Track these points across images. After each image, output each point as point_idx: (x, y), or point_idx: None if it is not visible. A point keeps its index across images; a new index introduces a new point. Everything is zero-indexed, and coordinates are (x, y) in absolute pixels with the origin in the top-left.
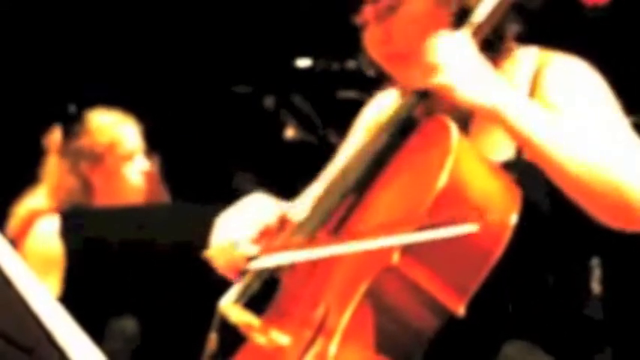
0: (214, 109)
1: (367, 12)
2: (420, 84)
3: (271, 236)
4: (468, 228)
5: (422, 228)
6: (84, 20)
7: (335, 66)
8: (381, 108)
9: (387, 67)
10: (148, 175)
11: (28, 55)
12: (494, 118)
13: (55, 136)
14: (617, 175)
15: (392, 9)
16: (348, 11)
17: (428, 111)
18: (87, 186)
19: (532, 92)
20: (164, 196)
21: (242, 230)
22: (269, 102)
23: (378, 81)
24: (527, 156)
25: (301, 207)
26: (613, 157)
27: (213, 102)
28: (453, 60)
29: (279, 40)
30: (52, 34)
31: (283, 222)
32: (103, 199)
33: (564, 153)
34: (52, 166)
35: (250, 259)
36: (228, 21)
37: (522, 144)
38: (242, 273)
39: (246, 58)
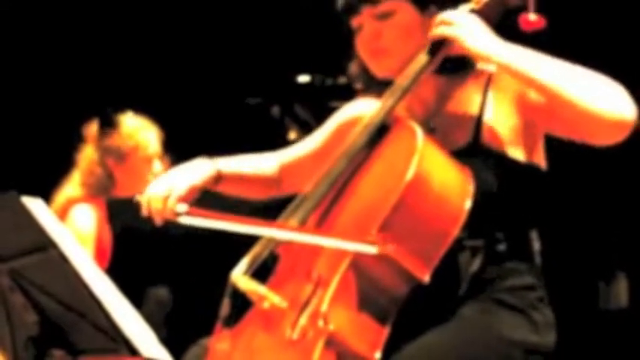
0: (230, 117)
1: (365, 13)
2: (438, 35)
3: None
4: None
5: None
6: (125, 41)
7: (329, 81)
8: (355, 112)
9: (370, 60)
10: None
11: (80, 62)
12: (499, 63)
13: (92, 129)
14: (610, 96)
15: (387, 15)
16: (340, 37)
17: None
18: (110, 177)
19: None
20: None
21: (177, 187)
22: (275, 111)
23: (364, 93)
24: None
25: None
26: (601, 83)
27: (229, 111)
28: (463, 19)
29: (284, 59)
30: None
31: (218, 179)
32: (122, 191)
33: (565, 83)
34: (86, 154)
35: (178, 214)
36: (242, 45)
37: (527, 82)
38: (166, 221)
39: (256, 75)
